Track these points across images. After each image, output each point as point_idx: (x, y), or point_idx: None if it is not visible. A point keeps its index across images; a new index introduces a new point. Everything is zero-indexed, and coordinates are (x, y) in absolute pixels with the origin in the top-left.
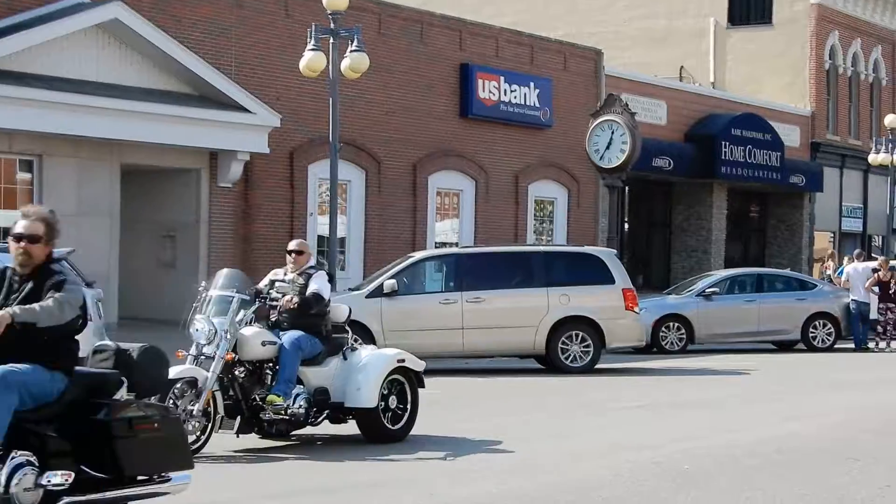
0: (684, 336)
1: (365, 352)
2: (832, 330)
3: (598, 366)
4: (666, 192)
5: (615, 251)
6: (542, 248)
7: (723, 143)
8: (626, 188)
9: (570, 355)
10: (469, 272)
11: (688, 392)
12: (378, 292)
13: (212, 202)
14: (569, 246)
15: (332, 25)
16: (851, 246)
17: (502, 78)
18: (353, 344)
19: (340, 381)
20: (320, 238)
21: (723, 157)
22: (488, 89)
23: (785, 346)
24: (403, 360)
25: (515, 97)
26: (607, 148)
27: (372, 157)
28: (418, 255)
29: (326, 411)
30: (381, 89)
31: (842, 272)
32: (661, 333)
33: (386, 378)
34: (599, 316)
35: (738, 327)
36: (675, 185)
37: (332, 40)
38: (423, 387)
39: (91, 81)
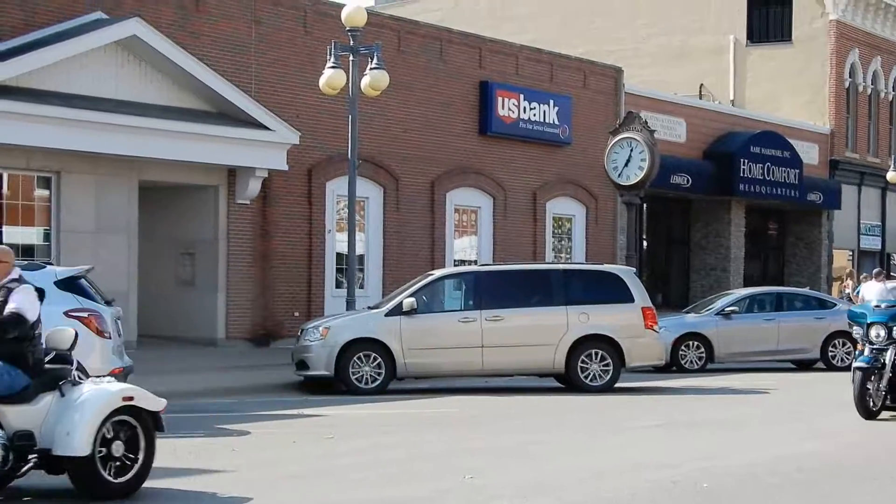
0: (704, 355)
1: (87, 387)
2: (851, 349)
3: (617, 384)
4: (684, 210)
5: (634, 269)
6: (561, 266)
7: (741, 160)
8: (645, 205)
9: (589, 374)
10: (488, 290)
11: (707, 411)
12: (397, 311)
13: (230, 219)
14: (588, 264)
15: (351, 43)
16: (870, 264)
17: (522, 95)
18: (75, 377)
19: (53, 422)
20: (339, 255)
21: (741, 175)
22: (508, 107)
23: (804, 365)
24: (132, 398)
25: (535, 115)
26: (626, 165)
27: (390, 174)
28: (437, 272)
29: (32, 460)
30: (400, 106)
31: (859, 291)
32: (680, 352)
33: (107, 419)
34: (619, 335)
35: (758, 346)
36: (694, 203)
37: (351, 58)
38: (160, 430)
39: (109, 99)
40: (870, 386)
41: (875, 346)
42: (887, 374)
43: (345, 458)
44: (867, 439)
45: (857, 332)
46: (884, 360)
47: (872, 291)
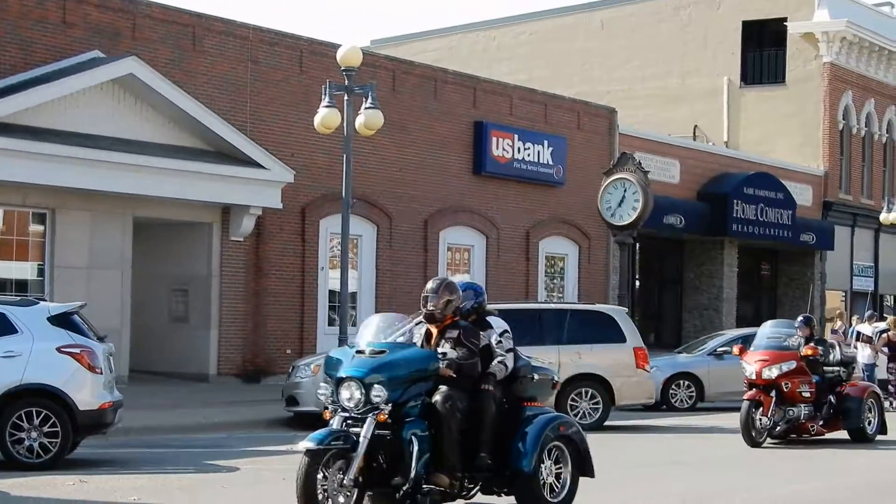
0: (694, 394)
1: None
2: None
3: (607, 423)
4: (677, 250)
5: (626, 309)
6: (553, 306)
7: (735, 201)
8: (638, 245)
9: (579, 412)
10: None
11: (698, 451)
12: None
13: (223, 256)
14: (580, 304)
15: (346, 82)
16: (862, 305)
17: (516, 136)
18: None
19: None
20: (331, 293)
21: (734, 215)
22: (502, 147)
23: None
24: None
25: (529, 155)
26: (619, 205)
27: (384, 212)
28: None
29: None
30: (394, 145)
31: (853, 332)
32: (671, 391)
33: None
34: (610, 374)
35: None
36: (687, 243)
37: (346, 97)
38: None
39: (105, 136)
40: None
41: (348, 415)
42: (358, 459)
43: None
44: (858, 482)
45: (322, 391)
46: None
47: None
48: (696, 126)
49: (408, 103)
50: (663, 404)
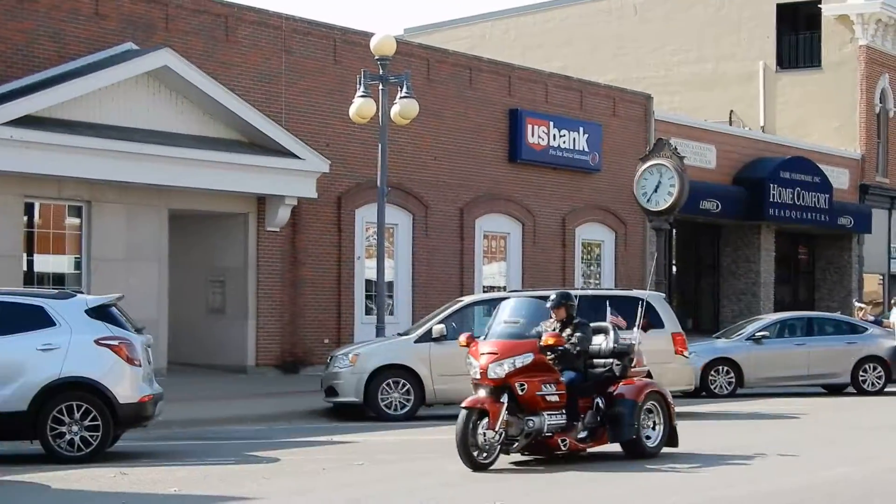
0: (733, 380)
1: None
2: (882, 373)
3: None
4: (714, 235)
5: (664, 294)
6: (589, 292)
7: (771, 185)
8: (674, 231)
9: None
10: None
11: (740, 437)
12: (427, 337)
13: (259, 247)
14: (617, 289)
15: (380, 71)
16: None
17: (551, 123)
18: None
19: None
20: (368, 282)
21: (771, 200)
22: (537, 134)
23: (834, 390)
24: None
25: (564, 142)
26: (655, 191)
27: (419, 200)
28: (466, 299)
29: None
30: (429, 134)
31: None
32: (710, 377)
33: None
34: (649, 360)
35: (788, 371)
36: (723, 228)
37: (381, 86)
38: None
39: (140, 129)
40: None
41: None
42: None
43: (375, 485)
44: None
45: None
46: None
47: None
48: (731, 111)
49: (442, 92)
50: (703, 391)
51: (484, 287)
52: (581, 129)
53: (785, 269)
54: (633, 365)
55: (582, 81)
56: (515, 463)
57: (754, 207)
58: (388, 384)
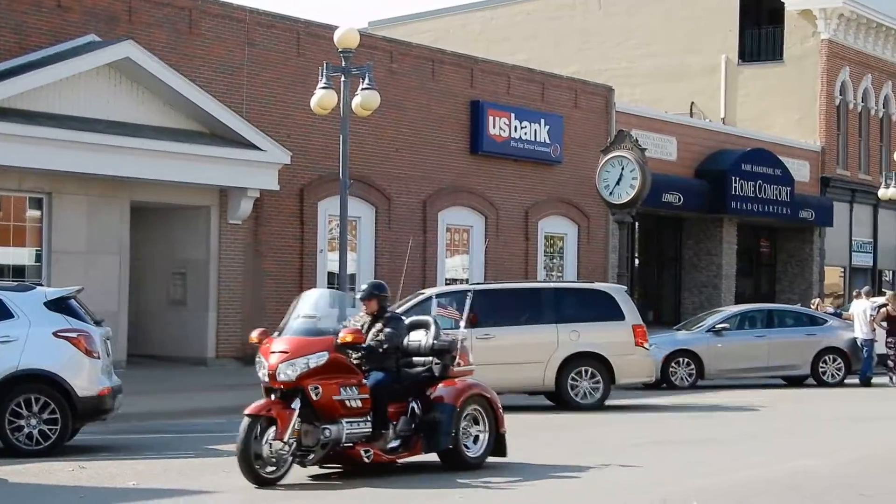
0: (694, 372)
1: None
2: (842, 365)
3: (607, 402)
4: (676, 228)
5: (625, 287)
6: (552, 285)
7: (733, 178)
8: (636, 224)
9: (579, 391)
10: (479, 309)
11: (698, 428)
12: None
13: (222, 239)
14: (579, 282)
15: (343, 63)
16: (861, 281)
17: (513, 114)
18: None
19: None
20: (330, 274)
21: (733, 193)
22: (499, 126)
23: (794, 382)
24: None
25: (526, 133)
26: (617, 184)
27: (382, 193)
28: (429, 291)
29: None
30: (391, 126)
31: (849, 308)
32: (670, 369)
33: None
34: (609, 352)
35: (748, 363)
36: (685, 221)
37: (343, 78)
38: None
39: (102, 120)
40: None
41: None
42: None
43: (334, 478)
44: (861, 456)
45: None
46: None
47: (860, 308)
48: (692, 103)
49: (405, 84)
50: (663, 382)
51: (446, 280)
52: (542, 121)
53: (746, 262)
54: (455, 364)
55: (544, 74)
56: (314, 477)
57: (716, 200)
58: None
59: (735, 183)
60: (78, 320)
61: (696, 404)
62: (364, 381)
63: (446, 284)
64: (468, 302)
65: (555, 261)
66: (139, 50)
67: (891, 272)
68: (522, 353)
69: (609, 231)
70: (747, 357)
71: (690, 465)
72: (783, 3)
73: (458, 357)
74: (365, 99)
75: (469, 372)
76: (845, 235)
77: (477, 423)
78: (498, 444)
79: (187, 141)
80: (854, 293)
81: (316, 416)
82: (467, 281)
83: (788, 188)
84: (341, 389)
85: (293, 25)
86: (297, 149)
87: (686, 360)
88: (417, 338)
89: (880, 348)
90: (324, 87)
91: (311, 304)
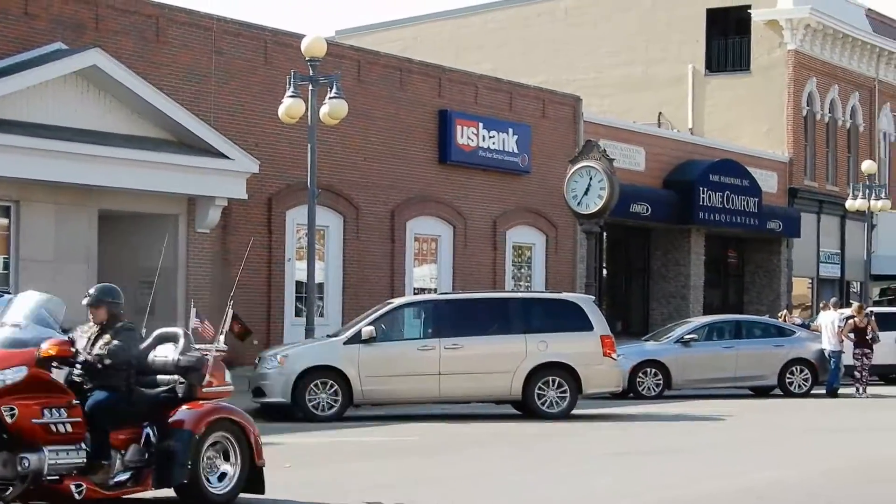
0: (661, 382)
1: None
2: (809, 376)
3: (574, 411)
4: (644, 238)
5: (593, 297)
6: (519, 295)
7: (700, 188)
8: (605, 234)
9: (546, 401)
10: (447, 318)
11: (665, 439)
12: (356, 339)
13: (189, 248)
14: (547, 292)
15: (310, 72)
16: (829, 292)
17: (481, 124)
18: None
19: None
20: (298, 283)
21: (700, 203)
22: (467, 135)
23: (761, 392)
24: None
25: (494, 143)
26: (585, 194)
27: (350, 202)
28: (397, 301)
29: None
30: (359, 135)
31: (816, 320)
32: (638, 379)
33: None
34: (577, 362)
35: (716, 373)
36: (653, 231)
37: (310, 87)
38: None
39: (69, 128)
40: None
41: None
42: None
43: (303, 487)
44: (828, 469)
45: None
46: None
47: (828, 320)
48: (660, 113)
49: (373, 93)
50: (630, 392)
51: (414, 289)
52: (510, 131)
53: (714, 273)
54: (206, 384)
55: (511, 83)
56: None
57: (684, 211)
58: (316, 385)
59: (703, 194)
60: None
61: (662, 414)
62: (76, 401)
63: (414, 294)
64: (230, 310)
65: (523, 271)
66: (106, 58)
67: (858, 283)
68: (490, 362)
69: (577, 241)
70: (715, 367)
71: (654, 477)
72: (750, 14)
73: (207, 375)
74: (333, 108)
75: (224, 394)
76: (813, 246)
77: (226, 453)
78: (253, 479)
79: (155, 149)
80: (822, 304)
81: (14, 442)
82: (435, 290)
83: (756, 199)
84: (45, 411)
85: (260, 34)
86: (265, 157)
87: (654, 370)
88: (165, 353)
89: (848, 359)
90: (291, 96)
91: (18, 311)
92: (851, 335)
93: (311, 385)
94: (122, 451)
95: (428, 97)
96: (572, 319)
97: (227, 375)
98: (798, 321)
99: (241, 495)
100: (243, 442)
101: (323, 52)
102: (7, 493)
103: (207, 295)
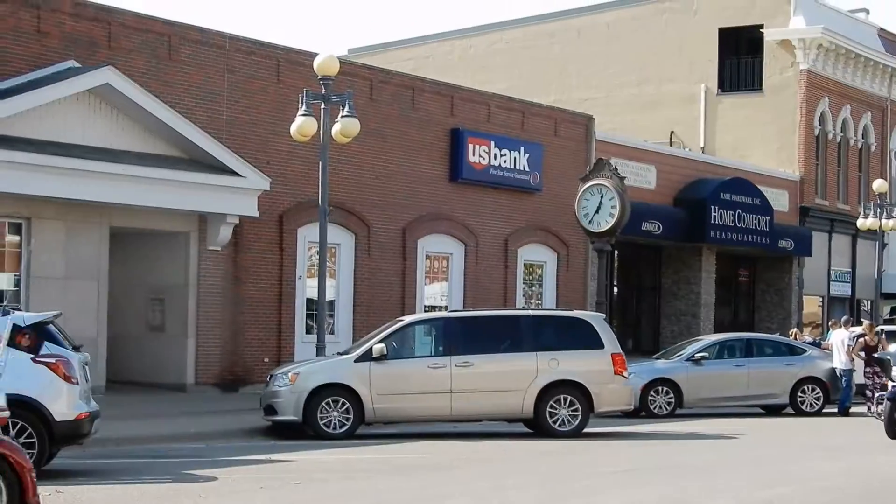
0: (673, 400)
1: None
2: (820, 394)
3: (586, 430)
4: (655, 256)
5: (604, 315)
6: (531, 313)
7: (712, 207)
8: (616, 252)
9: (558, 419)
10: (458, 336)
11: (677, 456)
12: (367, 356)
13: (201, 265)
14: (558, 310)
15: (323, 91)
16: (840, 310)
17: (493, 142)
18: None
19: None
20: (309, 301)
21: (712, 222)
22: (479, 153)
23: (773, 411)
24: None
25: (506, 161)
26: (596, 212)
27: (361, 220)
28: (408, 318)
29: None
30: (371, 153)
31: (828, 337)
32: (649, 397)
33: None
34: (588, 380)
35: (727, 392)
36: (664, 249)
37: (323, 105)
38: None
39: (81, 145)
40: None
41: None
42: None
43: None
44: (835, 485)
45: None
46: None
47: (839, 338)
48: (672, 132)
49: (385, 112)
50: (642, 411)
51: (425, 307)
52: (522, 149)
53: (725, 291)
54: None
55: (524, 102)
56: None
57: (695, 229)
58: (327, 403)
59: (714, 212)
60: (56, 346)
61: (673, 432)
62: None
63: (425, 311)
64: (8, 324)
65: (534, 288)
66: (119, 76)
67: (869, 302)
68: (501, 380)
69: (588, 259)
70: (726, 386)
71: (664, 495)
72: (762, 34)
73: None
74: (345, 126)
75: None
76: (824, 265)
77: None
78: None
79: (166, 167)
80: (832, 323)
81: None
82: (446, 308)
83: (767, 217)
84: None
85: (273, 52)
86: (277, 175)
87: (665, 388)
88: None
89: (859, 378)
90: (304, 115)
91: None
92: (862, 354)
93: (323, 403)
94: None
95: (440, 116)
96: (583, 337)
97: (3, 399)
98: (808, 339)
99: None
100: (13, 477)
101: (335, 70)
102: None
103: (218, 312)
